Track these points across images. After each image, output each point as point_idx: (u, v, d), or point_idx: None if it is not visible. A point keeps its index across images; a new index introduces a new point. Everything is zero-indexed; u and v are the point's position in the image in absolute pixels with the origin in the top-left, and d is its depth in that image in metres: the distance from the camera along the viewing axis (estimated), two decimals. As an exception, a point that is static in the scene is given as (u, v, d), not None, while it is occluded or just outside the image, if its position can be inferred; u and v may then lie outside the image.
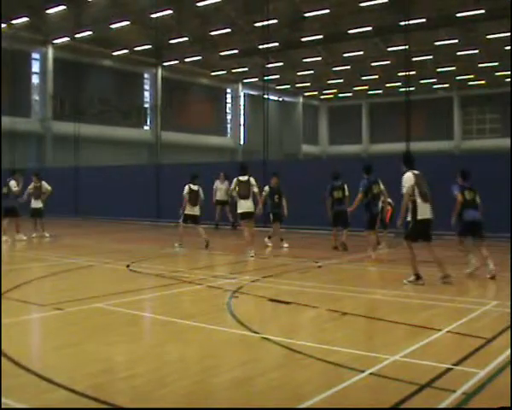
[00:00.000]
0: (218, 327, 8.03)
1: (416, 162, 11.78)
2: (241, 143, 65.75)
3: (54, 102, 46.72)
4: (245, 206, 16.04)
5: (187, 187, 17.97)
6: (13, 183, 20.65)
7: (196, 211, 17.95)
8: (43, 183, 21.88)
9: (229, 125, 65.79)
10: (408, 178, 11.49)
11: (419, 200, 11.37)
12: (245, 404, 5.32)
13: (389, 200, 16.37)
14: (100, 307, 9.29)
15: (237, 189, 16.12)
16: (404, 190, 11.45)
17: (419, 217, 11.37)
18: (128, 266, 14.03)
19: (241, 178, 16.16)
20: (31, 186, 21.64)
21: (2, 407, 4.99)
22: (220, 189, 24.05)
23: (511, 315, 8.53)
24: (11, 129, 41.08)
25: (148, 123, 56.00)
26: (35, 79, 47.60)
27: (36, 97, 47.58)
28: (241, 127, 66.51)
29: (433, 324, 8.14)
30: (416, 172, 11.65)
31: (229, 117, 65.90)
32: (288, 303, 9.62)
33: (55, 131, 45.96)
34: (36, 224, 21.39)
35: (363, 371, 6.01)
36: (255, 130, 63.14)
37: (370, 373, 5.98)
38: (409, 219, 11.46)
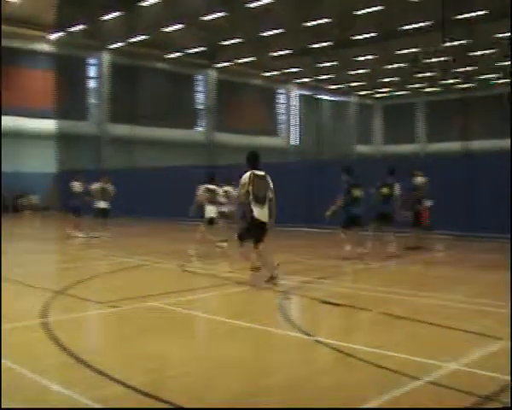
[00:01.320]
0: (271, 328, 8.05)
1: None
2: (294, 143, 65.66)
3: (110, 106, 47.47)
4: (213, 211, 16.75)
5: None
6: (75, 183, 21.38)
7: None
8: (109, 184, 22.17)
9: (281, 126, 65.76)
10: (245, 176, 11.22)
11: (253, 201, 11.11)
12: (296, 406, 5.31)
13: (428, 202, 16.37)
14: (155, 305, 9.42)
15: (207, 195, 16.75)
16: (240, 189, 11.34)
17: (255, 217, 11.14)
18: (182, 265, 14.14)
19: (210, 186, 16.80)
20: (96, 187, 21.86)
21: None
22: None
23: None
24: (69, 132, 41.85)
25: (202, 124, 56.39)
26: (92, 84, 48.47)
27: (93, 101, 48.42)
28: (294, 128, 66.42)
29: (492, 331, 7.74)
30: (258, 172, 11.30)
31: (281, 117, 65.87)
32: (340, 305, 9.53)
33: (110, 134, 46.70)
34: (99, 224, 21.62)
35: (417, 379, 5.81)
36: (308, 130, 63.09)
37: (426, 381, 5.76)
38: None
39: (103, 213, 21.84)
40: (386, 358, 6.56)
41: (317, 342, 7.38)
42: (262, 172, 11.28)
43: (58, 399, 5.41)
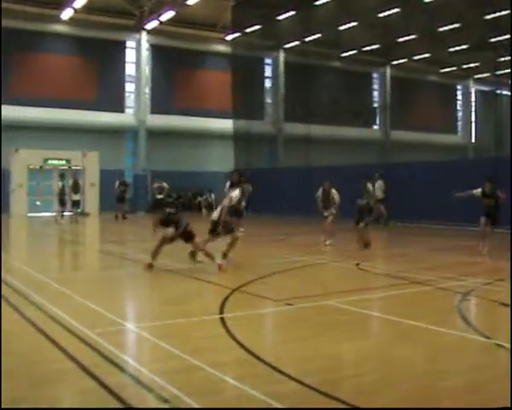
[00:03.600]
0: (448, 330, 7.88)
1: None
2: (473, 140, 63.53)
3: (285, 105, 48.25)
4: None
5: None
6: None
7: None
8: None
9: (459, 123, 63.84)
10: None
11: None
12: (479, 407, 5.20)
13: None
14: (330, 304, 9.47)
15: None
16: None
17: None
18: (357, 264, 14.17)
19: None
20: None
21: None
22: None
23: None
24: (247, 131, 43.03)
25: (378, 122, 55.97)
26: (267, 83, 49.57)
27: (268, 100, 49.50)
28: (473, 125, 64.26)
29: None
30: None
31: (459, 114, 63.94)
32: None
33: (286, 132, 47.46)
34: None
35: None
36: (487, 127, 60.69)
37: None
38: None
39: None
40: None
41: (497, 345, 7.15)
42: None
43: (233, 393, 5.61)
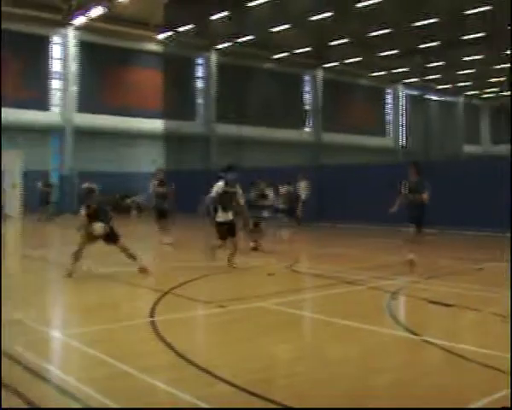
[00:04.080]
0: (379, 328, 7.94)
1: None
2: (402, 143, 64.74)
3: (217, 105, 48.12)
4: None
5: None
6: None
7: None
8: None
9: (389, 126, 64.93)
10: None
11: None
12: (406, 406, 5.24)
13: None
14: (262, 305, 9.41)
15: None
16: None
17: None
18: (291, 265, 14.15)
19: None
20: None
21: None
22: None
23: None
24: (179, 132, 42.65)
25: (309, 124, 56.36)
26: (199, 84, 49.28)
27: (200, 101, 49.21)
28: (402, 128, 65.48)
29: None
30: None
31: (389, 118, 65.05)
32: (449, 306, 9.31)
33: (218, 134, 47.33)
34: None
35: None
36: (416, 130, 61.98)
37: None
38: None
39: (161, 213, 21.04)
40: (496, 358, 6.38)
41: (426, 342, 7.29)
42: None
43: (163, 397, 5.50)
